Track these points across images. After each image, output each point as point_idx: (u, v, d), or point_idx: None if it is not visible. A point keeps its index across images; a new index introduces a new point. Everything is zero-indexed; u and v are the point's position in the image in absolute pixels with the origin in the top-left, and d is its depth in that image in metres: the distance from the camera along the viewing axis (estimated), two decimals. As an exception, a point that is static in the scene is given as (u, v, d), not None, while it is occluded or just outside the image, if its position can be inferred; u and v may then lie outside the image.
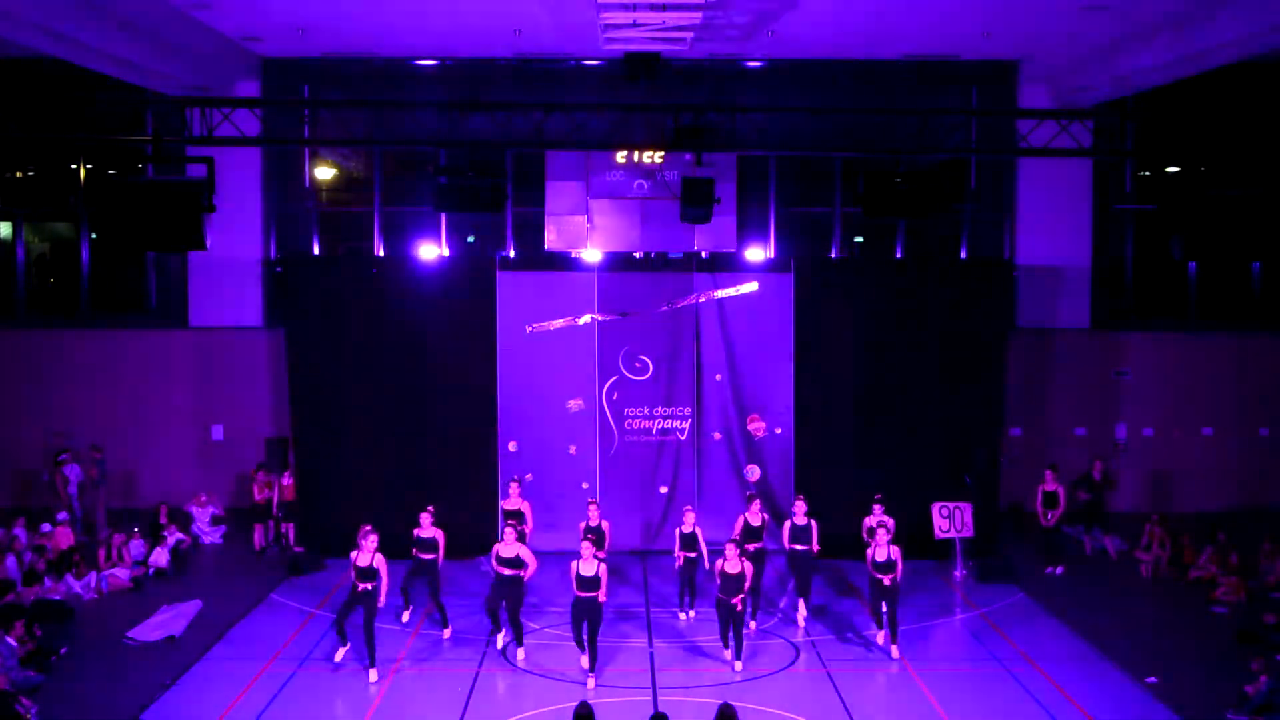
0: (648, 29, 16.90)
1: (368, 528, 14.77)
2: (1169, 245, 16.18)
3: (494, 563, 15.16)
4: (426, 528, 16.21)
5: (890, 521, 16.86)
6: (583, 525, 16.76)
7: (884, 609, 15.51)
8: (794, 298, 20.33)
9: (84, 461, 20.89)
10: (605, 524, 16.86)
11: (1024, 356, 22.52)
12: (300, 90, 22.47)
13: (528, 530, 16.85)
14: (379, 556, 14.53)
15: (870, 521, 16.98)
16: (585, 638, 14.50)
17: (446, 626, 16.11)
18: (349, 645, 14.87)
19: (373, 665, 14.51)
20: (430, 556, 16.09)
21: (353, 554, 14.57)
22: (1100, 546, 20.12)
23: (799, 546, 16.53)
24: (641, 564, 19.64)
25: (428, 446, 20.06)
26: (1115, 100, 21.56)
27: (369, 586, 14.42)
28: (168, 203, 14.99)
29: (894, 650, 15.36)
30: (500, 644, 15.39)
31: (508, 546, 15.08)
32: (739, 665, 14.89)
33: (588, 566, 14.43)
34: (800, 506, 16.71)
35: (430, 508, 16.47)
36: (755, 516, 16.80)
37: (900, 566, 15.48)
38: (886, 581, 15.37)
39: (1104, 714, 13.56)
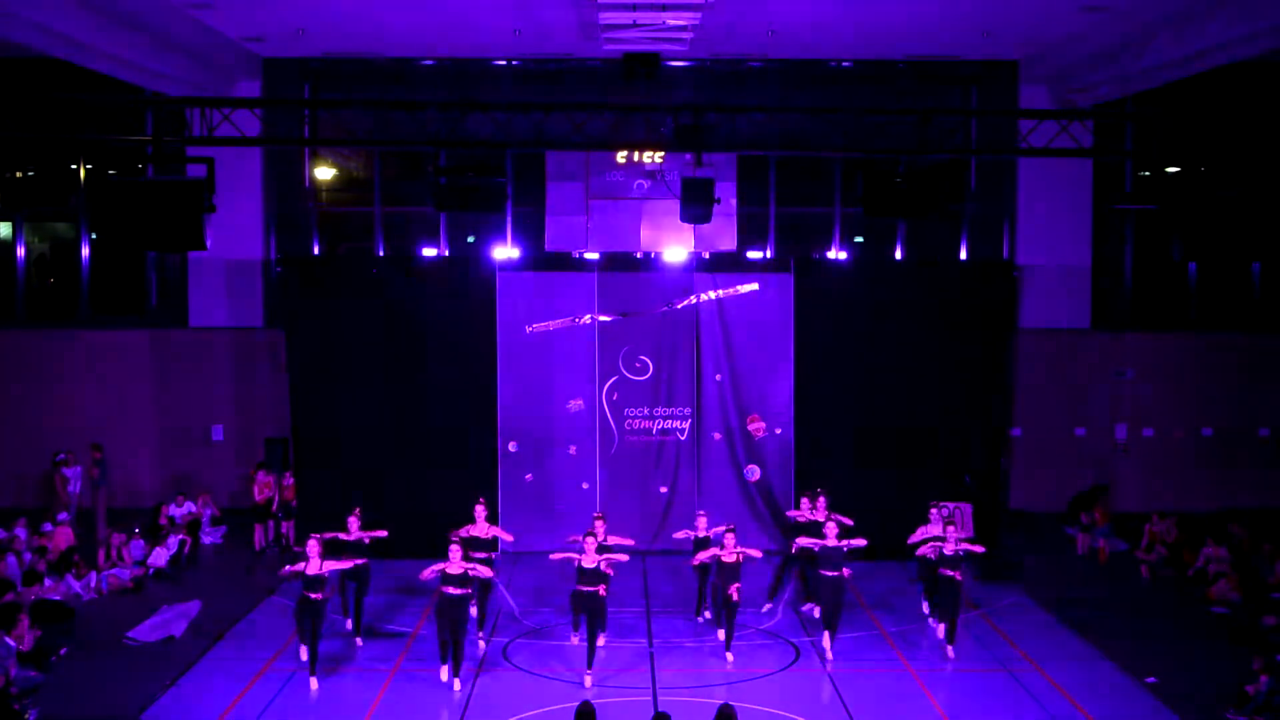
0: (647, 29, 16.91)
1: (313, 537, 14.61)
2: (1169, 245, 16.16)
3: (439, 582, 14.26)
4: (354, 531, 15.72)
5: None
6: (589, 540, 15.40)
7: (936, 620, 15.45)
8: (794, 298, 20.33)
9: (84, 461, 20.89)
10: (611, 539, 16.03)
11: (1024, 356, 22.53)
12: (300, 90, 22.49)
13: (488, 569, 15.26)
14: (326, 564, 14.36)
15: (933, 529, 16.38)
16: (585, 631, 14.42)
17: (359, 634, 15.72)
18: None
19: (313, 674, 14.25)
20: (361, 561, 15.57)
21: (300, 564, 14.27)
22: (1103, 546, 19.97)
23: (829, 573, 15.27)
24: (641, 564, 19.61)
25: (428, 446, 20.05)
26: (1115, 100, 21.57)
27: (319, 596, 14.23)
28: (168, 203, 14.97)
29: (949, 650, 15.29)
30: (445, 676, 14.15)
31: (454, 564, 14.16)
32: (729, 656, 14.98)
33: (589, 560, 14.42)
34: (832, 528, 15.43)
35: (358, 509, 15.95)
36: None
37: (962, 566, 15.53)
38: (959, 576, 15.34)
39: (1104, 714, 13.54)
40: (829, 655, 15.20)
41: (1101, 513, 20.61)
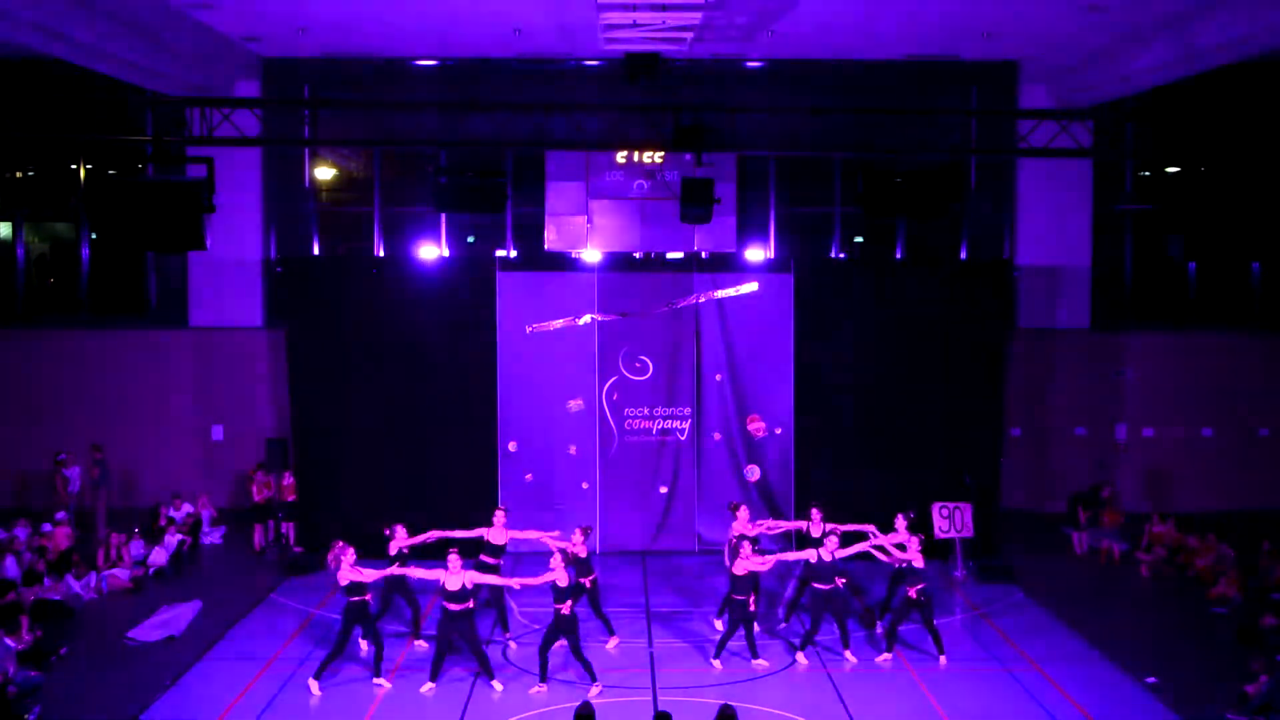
0: (648, 29, 16.90)
1: (340, 544, 14.46)
2: (1169, 245, 16.15)
3: (439, 597, 14.24)
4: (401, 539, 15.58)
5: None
6: (569, 549, 15.34)
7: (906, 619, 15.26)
8: (794, 298, 20.31)
9: (84, 461, 20.89)
10: (584, 552, 15.51)
11: (1024, 356, 22.54)
12: (300, 90, 22.46)
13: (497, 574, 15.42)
14: (358, 570, 14.24)
15: (897, 539, 15.83)
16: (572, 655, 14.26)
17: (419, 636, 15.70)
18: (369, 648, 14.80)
19: (379, 675, 14.35)
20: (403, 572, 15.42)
21: (339, 575, 14.21)
22: (1109, 547, 19.96)
23: (822, 586, 15.18)
24: (641, 564, 19.63)
25: (428, 446, 20.04)
26: (1115, 100, 21.55)
27: (360, 599, 14.27)
28: (168, 203, 14.99)
29: (941, 660, 15.11)
30: (426, 688, 14.16)
31: (453, 577, 13.98)
32: (716, 664, 14.93)
33: (562, 577, 14.15)
34: (833, 541, 15.30)
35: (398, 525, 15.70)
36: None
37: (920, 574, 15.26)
38: (913, 594, 15.14)
39: (1104, 714, 13.56)
40: (850, 659, 15.14)
41: (1110, 515, 20.53)
